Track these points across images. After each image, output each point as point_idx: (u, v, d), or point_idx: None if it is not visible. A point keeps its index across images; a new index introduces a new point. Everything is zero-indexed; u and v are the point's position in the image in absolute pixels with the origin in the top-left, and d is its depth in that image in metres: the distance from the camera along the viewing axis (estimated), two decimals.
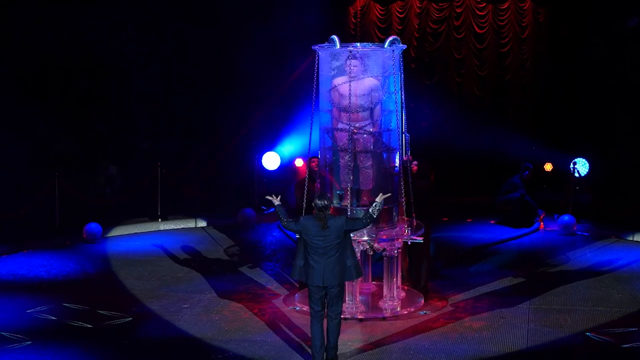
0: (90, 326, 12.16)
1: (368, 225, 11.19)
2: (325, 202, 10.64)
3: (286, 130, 20.43)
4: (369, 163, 12.70)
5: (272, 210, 18.36)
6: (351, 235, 11.01)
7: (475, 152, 20.73)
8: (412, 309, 12.84)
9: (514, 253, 16.21)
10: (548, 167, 19.78)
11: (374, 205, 11.01)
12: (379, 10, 21.96)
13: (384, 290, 12.90)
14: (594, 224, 17.68)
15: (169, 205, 18.64)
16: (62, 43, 20.38)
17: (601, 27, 20.42)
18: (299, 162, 19.70)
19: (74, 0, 20.19)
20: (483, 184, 20.47)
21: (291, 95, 20.58)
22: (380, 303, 12.91)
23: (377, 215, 11.04)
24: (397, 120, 12.76)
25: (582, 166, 19.06)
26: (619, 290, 13.74)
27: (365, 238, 12.45)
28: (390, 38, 12.73)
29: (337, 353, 10.89)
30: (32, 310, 12.77)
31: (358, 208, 12.62)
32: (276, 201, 11.11)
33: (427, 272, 13.66)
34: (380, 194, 11.17)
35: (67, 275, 14.72)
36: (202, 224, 18.27)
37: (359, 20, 22.06)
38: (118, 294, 13.60)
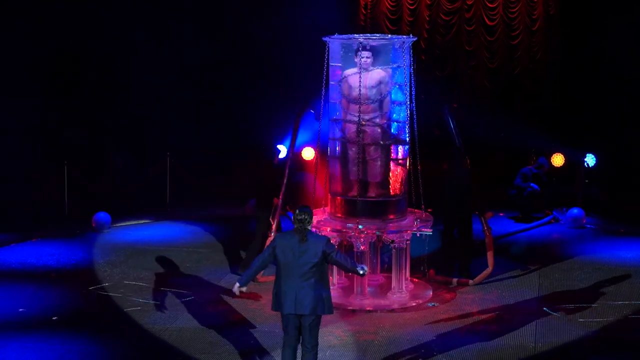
0: (98, 315, 12.19)
1: (348, 271, 10.14)
2: (305, 216, 9.63)
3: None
4: (377, 155, 12.70)
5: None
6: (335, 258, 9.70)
7: (484, 144, 20.69)
8: (421, 301, 12.85)
9: (522, 246, 16.18)
10: (558, 160, 19.65)
11: (360, 268, 9.91)
12: (390, 2, 21.94)
13: (393, 282, 12.91)
14: (603, 217, 17.64)
15: (178, 195, 18.64)
16: (72, 33, 20.39)
17: (612, 19, 20.36)
18: (307, 153, 19.61)
19: None
20: (492, 176, 20.41)
21: (302, 86, 20.56)
22: (389, 295, 12.92)
23: (359, 273, 9.98)
24: (406, 112, 12.77)
25: (590, 159, 19.00)
26: (627, 283, 13.70)
27: (375, 230, 12.46)
28: None
29: (340, 342, 10.86)
30: (40, 298, 12.80)
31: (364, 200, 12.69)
32: (237, 290, 9.83)
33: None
34: (364, 271, 9.94)
35: (76, 264, 14.75)
36: (210, 214, 18.26)
37: (369, 11, 22.04)
38: (126, 284, 13.61)
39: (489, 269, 13.65)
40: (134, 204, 18.23)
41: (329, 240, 9.82)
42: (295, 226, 9.65)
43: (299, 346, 9.73)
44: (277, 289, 9.65)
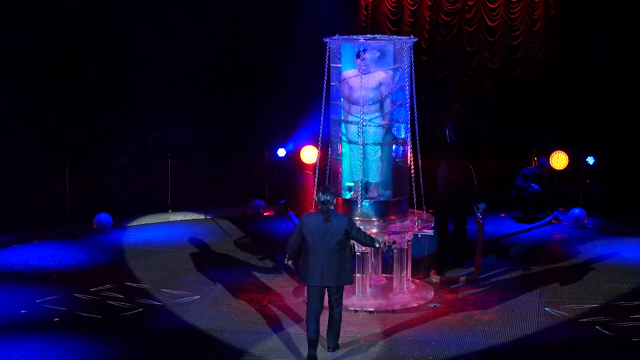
0: (100, 317, 12.19)
1: (365, 245, 11.15)
2: (328, 197, 10.54)
3: (297, 121, 20.45)
4: (379, 155, 12.71)
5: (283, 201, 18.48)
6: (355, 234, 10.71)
7: (485, 144, 20.71)
8: (422, 302, 12.84)
9: (524, 246, 16.18)
10: (560, 160, 19.59)
11: (376, 242, 10.95)
12: (391, 3, 21.95)
13: (394, 283, 12.92)
14: (604, 217, 17.63)
15: (179, 196, 18.65)
16: (73, 32, 20.40)
17: (612, 19, 20.38)
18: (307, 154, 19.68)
19: None
20: (493, 176, 20.42)
21: (302, 86, 20.59)
22: (390, 295, 12.92)
23: (375, 246, 10.99)
24: (407, 112, 12.79)
25: (589, 159, 19.00)
26: (629, 284, 13.70)
27: (375, 230, 12.45)
28: None
29: (343, 343, 10.91)
30: (42, 300, 12.81)
31: (366, 200, 12.68)
32: (290, 264, 10.86)
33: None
34: (379, 244, 11.08)
35: (78, 266, 14.75)
36: (211, 215, 18.27)
37: (370, 12, 22.06)
38: (128, 285, 13.62)
39: (478, 257, 13.81)
40: (135, 204, 18.22)
41: (350, 218, 10.74)
42: (320, 207, 10.54)
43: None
44: (304, 263, 10.60)
